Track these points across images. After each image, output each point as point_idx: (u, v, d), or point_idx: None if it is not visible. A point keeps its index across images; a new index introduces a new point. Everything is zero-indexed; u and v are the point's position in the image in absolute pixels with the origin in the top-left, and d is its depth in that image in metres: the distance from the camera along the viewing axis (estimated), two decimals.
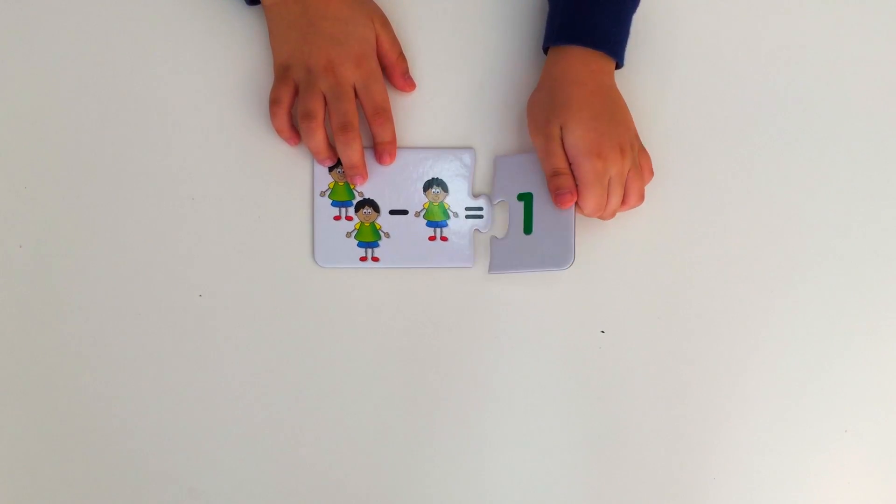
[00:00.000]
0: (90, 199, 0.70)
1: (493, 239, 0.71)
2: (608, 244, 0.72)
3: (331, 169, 0.71)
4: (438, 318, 0.71)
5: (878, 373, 0.72)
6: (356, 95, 0.70)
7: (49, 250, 0.70)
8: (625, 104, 0.70)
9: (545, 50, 0.72)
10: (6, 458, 0.68)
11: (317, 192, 0.71)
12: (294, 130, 0.71)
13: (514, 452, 0.71)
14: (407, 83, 0.73)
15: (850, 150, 0.74)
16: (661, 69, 0.73)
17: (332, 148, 0.70)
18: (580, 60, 0.69)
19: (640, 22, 0.72)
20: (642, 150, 0.71)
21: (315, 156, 0.70)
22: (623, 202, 0.69)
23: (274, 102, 0.70)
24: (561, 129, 0.68)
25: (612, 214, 0.70)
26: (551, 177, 0.68)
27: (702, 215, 0.73)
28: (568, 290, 0.72)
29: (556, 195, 0.68)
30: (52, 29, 0.71)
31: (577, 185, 0.67)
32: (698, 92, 0.74)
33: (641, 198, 0.70)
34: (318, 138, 0.69)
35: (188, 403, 0.69)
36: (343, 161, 0.70)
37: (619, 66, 0.71)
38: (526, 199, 0.71)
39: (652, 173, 0.71)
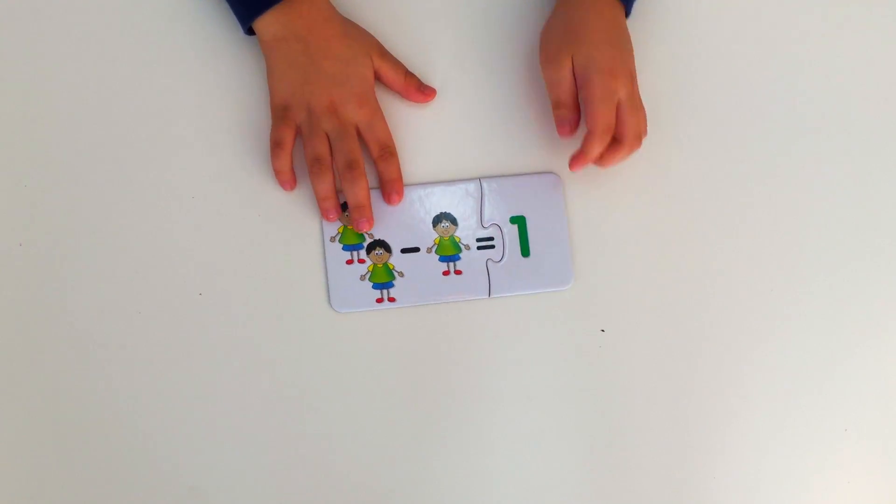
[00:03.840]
0: (90, 198, 0.70)
1: (490, 262, 0.72)
2: (608, 243, 0.72)
3: None
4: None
5: (878, 372, 0.72)
6: (360, 135, 0.69)
7: (49, 249, 0.69)
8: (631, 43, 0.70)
9: None
10: (6, 456, 0.68)
11: (327, 238, 0.70)
12: (293, 174, 0.69)
13: (512, 451, 0.71)
14: (426, 94, 0.71)
15: (851, 151, 0.74)
16: (662, 68, 0.73)
17: (336, 196, 0.69)
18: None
19: (641, 22, 0.71)
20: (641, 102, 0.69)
21: (321, 202, 0.69)
22: (618, 144, 0.67)
23: (276, 144, 0.68)
24: (573, 56, 0.67)
25: (615, 158, 0.67)
26: (555, 108, 0.68)
27: (702, 215, 0.73)
28: (568, 290, 0.72)
29: (558, 125, 0.68)
30: (51, 30, 0.71)
31: (585, 107, 0.66)
32: (699, 92, 0.74)
33: (639, 140, 0.68)
34: (328, 181, 0.68)
35: (189, 402, 0.69)
36: (349, 200, 0.69)
37: (626, 15, 0.70)
38: (519, 222, 0.71)
39: (646, 131, 0.69)
